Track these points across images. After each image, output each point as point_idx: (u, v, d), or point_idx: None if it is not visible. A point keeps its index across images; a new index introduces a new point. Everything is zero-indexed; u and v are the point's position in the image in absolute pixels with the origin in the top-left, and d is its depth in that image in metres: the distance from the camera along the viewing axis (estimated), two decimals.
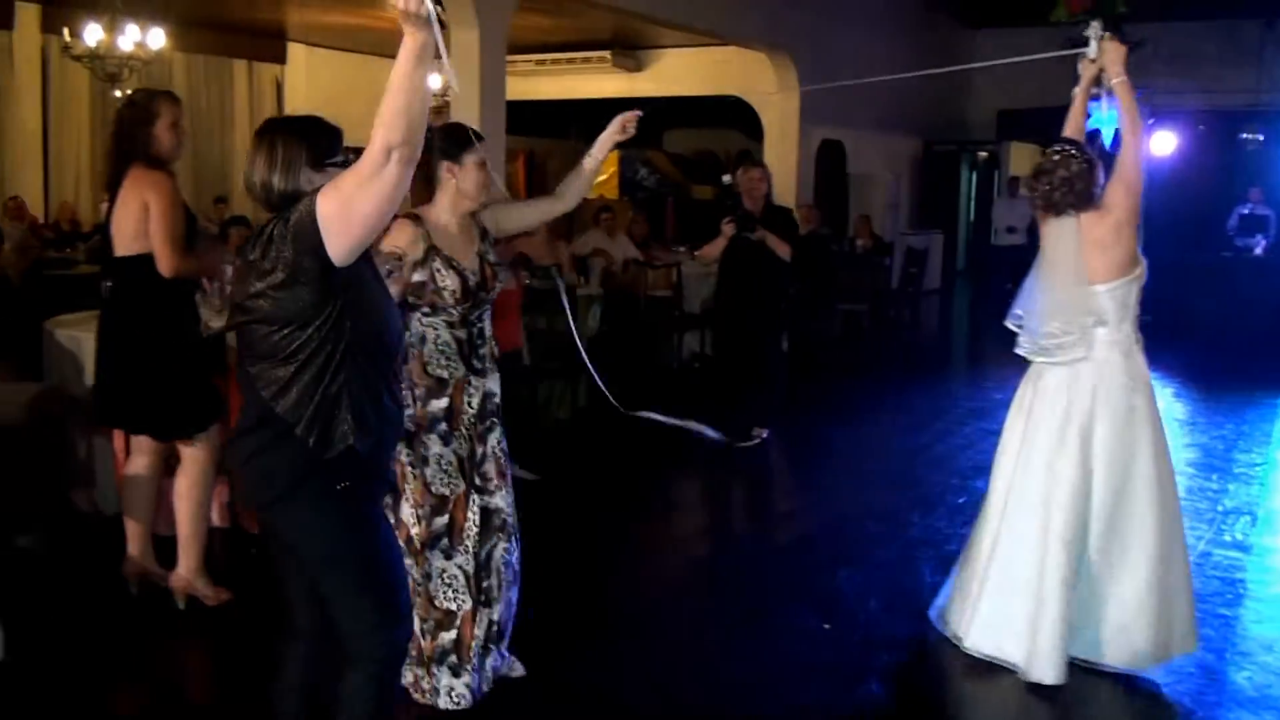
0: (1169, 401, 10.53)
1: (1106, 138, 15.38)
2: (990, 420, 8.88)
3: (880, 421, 9.31)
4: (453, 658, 3.93)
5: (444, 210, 3.95)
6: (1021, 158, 21.02)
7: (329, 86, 17.42)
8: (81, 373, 5.93)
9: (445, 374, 3.89)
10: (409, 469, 3.87)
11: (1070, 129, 4.73)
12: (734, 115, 16.76)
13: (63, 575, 5.24)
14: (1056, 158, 4.45)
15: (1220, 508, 6.87)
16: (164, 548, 5.00)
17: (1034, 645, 4.31)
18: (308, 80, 17.32)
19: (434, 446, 3.87)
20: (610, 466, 7.62)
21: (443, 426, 3.89)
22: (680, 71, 16.68)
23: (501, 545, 4.03)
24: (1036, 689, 4.27)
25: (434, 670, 3.93)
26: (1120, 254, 4.35)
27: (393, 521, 3.84)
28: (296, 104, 17.23)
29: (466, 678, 3.94)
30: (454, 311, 3.88)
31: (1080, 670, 4.38)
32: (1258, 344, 13.67)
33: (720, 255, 7.88)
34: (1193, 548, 5.95)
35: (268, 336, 2.85)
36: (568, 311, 3.16)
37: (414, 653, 3.91)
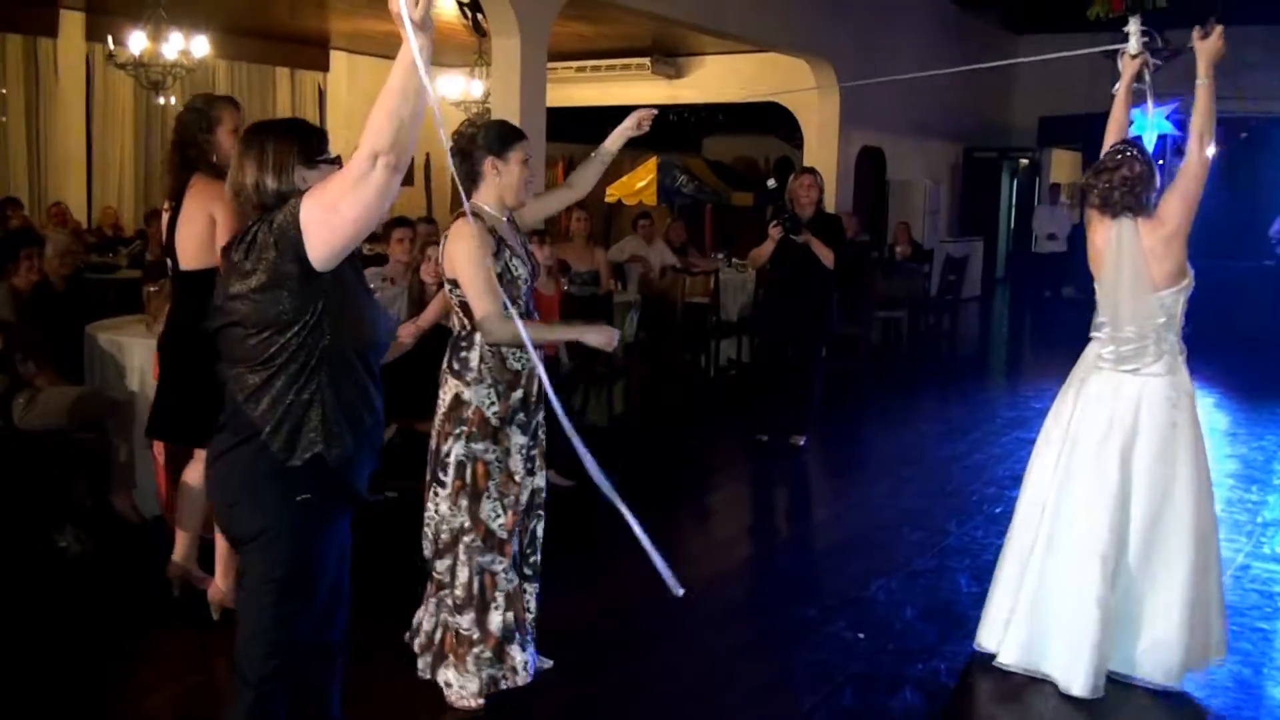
0: (1209, 412, 10.44)
1: (1150, 143, 15.24)
2: (1028, 430, 8.84)
3: (918, 429, 9.27)
4: (517, 634, 4.09)
5: (492, 205, 4.01)
6: (1062, 164, 20.93)
7: (370, 93, 17.37)
8: (123, 376, 6.01)
9: (520, 365, 4.00)
10: (493, 464, 3.96)
11: (1113, 128, 4.68)
12: (774, 121, 16.76)
13: (102, 577, 5.31)
14: (1119, 157, 4.39)
15: (1260, 520, 6.81)
16: (206, 552, 5.05)
17: (1072, 659, 4.29)
18: (349, 87, 17.48)
19: (515, 437, 3.99)
20: (647, 472, 7.62)
21: (521, 417, 4.01)
22: (720, 78, 16.68)
23: (540, 523, 4.20)
24: (1073, 702, 4.25)
25: (508, 650, 4.06)
26: (1171, 265, 4.30)
27: (465, 524, 3.97)
28: (338, 111, 17.43)
29: (530, 648, 4.14)
30: (521, 302, 3.99)
31: (1115, 683, 4.35)
32: None
33: (769, 258, 7.91)
34: (1231, 560, 5.93)
35: (245, 340, 2.82)
36: (550, 394, 3.17)
37: (483, 646, 4.02)
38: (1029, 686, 4.41)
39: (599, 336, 3.97)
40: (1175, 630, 4.29)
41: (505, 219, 4.05)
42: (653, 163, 17.03)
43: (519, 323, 3.57)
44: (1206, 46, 4.50)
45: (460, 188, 3.85)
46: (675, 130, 19.97)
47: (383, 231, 7.41)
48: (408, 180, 17.47)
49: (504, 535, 4.00)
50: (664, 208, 17.01)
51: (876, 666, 4.57)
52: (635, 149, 18.35)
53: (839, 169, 14.86)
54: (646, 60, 16.31)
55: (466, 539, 3.98)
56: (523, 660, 4.09)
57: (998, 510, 6.57)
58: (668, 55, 16.54)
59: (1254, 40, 17.49)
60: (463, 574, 3.99)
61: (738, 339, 10.91)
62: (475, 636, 4.01)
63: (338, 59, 17.22)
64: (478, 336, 3.95)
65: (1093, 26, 17.87)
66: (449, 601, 4.05)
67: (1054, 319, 16.56)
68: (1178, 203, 4.31)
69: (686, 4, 11.76)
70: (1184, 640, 4.29)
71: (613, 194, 17.37)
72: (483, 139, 3.97)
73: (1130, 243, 4.32)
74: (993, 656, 4.54)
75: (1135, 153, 4.42)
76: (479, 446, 3.94)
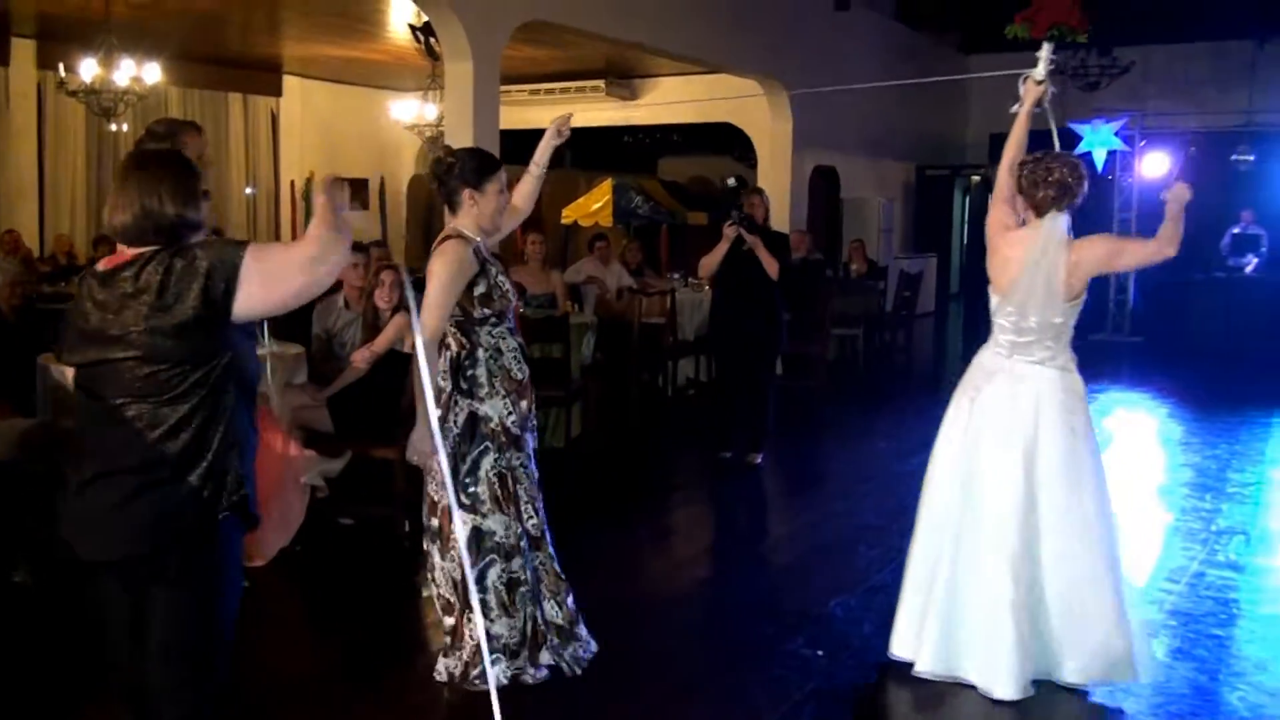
0: (1163, 421, 10.59)
1: (1098, 160, 15.44)
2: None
3: (874, 445, 9.32)
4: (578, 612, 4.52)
5: (470, 230, 4.19)
6: None
7: (324, 118, 17.55)
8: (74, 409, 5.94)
9: (522, 375, 4.24)
10: (520, 469, 4.21)
11: (1012, 146, 4.71)
12: (728, 142, 16.84)
13: (54, 611, 5.24)
14: (1058, 159, 4.53)
15: (1214, 528, 6.89)
16: None
17: (992, 664, 4.33)
18: (302, 111, 17.43)
19: (531, 442, 4.28)
20: (605, 493, 7.64)
21: (532, 422, 4.29)
22: (674, 99, 16.75)
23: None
24: (1001, 705, 4.29)
25: (577, 630, 4.48)
26: (1078, 284, 4.42)
27: (518, 530, 4.21)
28: (292, 136, 17.37)
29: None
30: (510, 317, 4.23)
31: (1065, 690, 4.42)
32: (1251, 363, 13.75)
33: (718, 268, 7.94)
34: (1185, 568, 6.02)
35: (153, 374, 2.70)
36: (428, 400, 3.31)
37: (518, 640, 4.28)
38: (953, 692, 4.44)
39: (422, 444, 4.03)
40: (1091, 635, 4.37)
41: (483, 241, 4.24)
42: (608, 184, 17.05)
43: (424, 366, 3.47)
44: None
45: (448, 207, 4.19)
46: (631, 151, 20.03)
47: None
48: (362, 205, 17.37)
49: (538, 534, 4.31)
50: (620, 229, 17.03)
51: (835, 682, 4.58)
52: (590, 170, 18.42)
53: (793, 188, 14.93)
54: (601, 82, 16.34)
55: (502, 543, 4.21)
56: (586, 638, 4.51)
57: None
58: (622, 77, 16.59)
59: (1199, 56, 17.80)
60: (499, 581, 4.23)
61: (695, 358, 10.94)
62: (514, 640, 4.28)
63: (291, 84, 17.15)
64: (480, 353, 4.14)
65: (1038, 46, 18.07)
66: (528, 595, 4.29)
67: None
68: (1104, 251, 4.47)
69: (639, 27, 11.80)
70: (1099, 645, 4.36)
71: (568, 216, 17.37)
72: (460, 170, 4.16)
73: (1057, 249, 4.39)
74: (909, 665, 4.57)
75: (1076, 160, 4.53)
76: (508, 455, 4.19)
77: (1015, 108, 4.71)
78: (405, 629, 5.18)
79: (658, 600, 5.66)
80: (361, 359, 6.17)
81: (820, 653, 4.85)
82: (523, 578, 4.27)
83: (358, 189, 18.06)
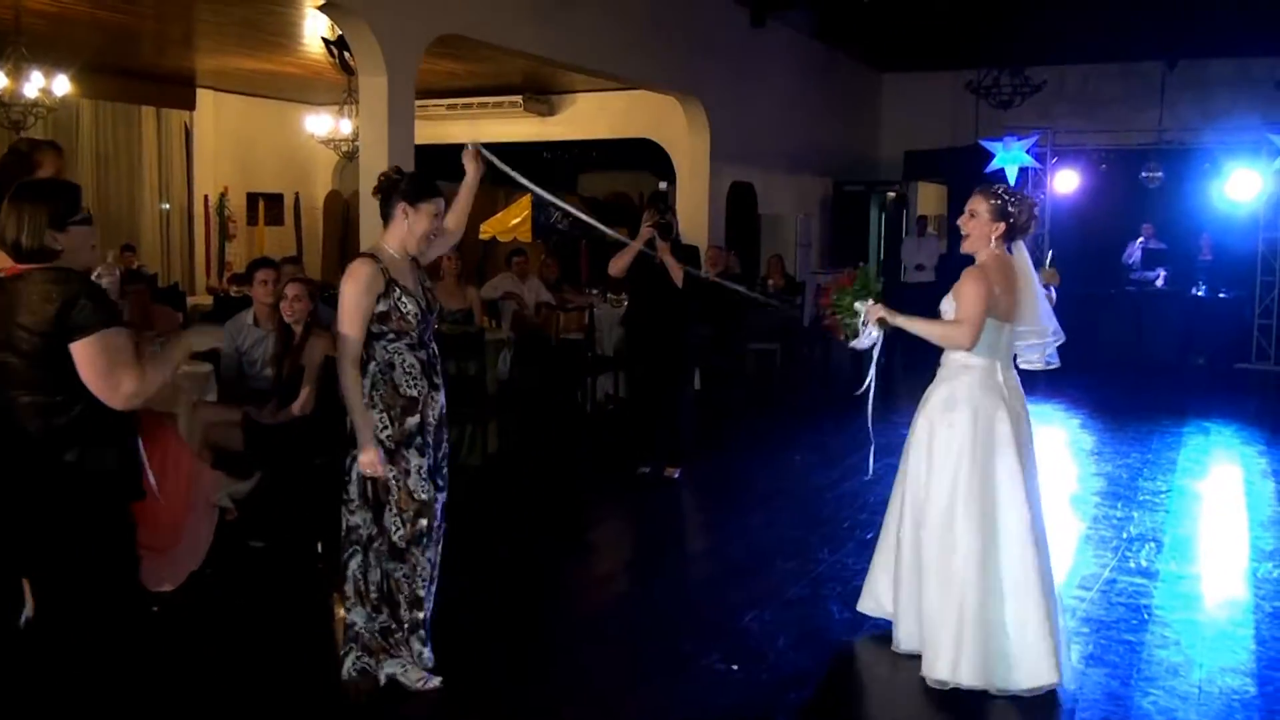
0: (1075, 432, 10.74)
1: (1011, 176, 15.72)
2: (898, 455, 8.96)
3: (791, 459, 9.32)
4: (421, 631, 4.44)
5: (394, 246, 4.32)
6: (928, 197, 21.42)
7: (238, 131, 17.30)
8: None
9: (415, 392, 4.29)
10: (393, 481, 4.25)
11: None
12: (646, 157, 16.86)
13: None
14: (1027, 196, 4.80)
15: (1125, 535, 6.99)
16: None
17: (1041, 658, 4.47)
18: (216, 125, 17.16)
19: (413, 459, 4.28)
20: (522, 510, 7.56)
21: (418, 440, 4.29)
22: (592, 115, 16.75)
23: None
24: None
25: (410, 641, 4.41)
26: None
27: (373, 531, 4.30)
28: (205, 149, 17.09)
29: (429, 648, 4.47)
30: (414, 335, 4.27)
31: (981, 694, 4.46)
32: (1161, 374, 14.05)
33: (626, 269, 7.90)
34: (1097, 575, 6.09)
35: (29, 370, 3.37)
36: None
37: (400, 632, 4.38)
38: (900, 702, 4.45)
39: (366, 456, 4.20)
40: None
41: (406, 261, 4.36)
42: (527, 199, 16.99)
43: (351, 384, 4.17)
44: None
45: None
46: (550, 167, 19.97)
47: (245, 273, 7.26)
48: (277, 220, 17.17)
49: (402, 545, 4.30)
50: (539, 244, 16.98)
51: (750, 697, 4.56)
52: (510, 186, 18.33)
53: (710, 203, 14.98)
54: (519, 98, 16.29)
55: (375, 544, 4.33)
56: (419, 652, 4.44)
57: (868, 536, 6.59)
58: (540, 93, 16.56)
59: (1111, 76, 18.15)
60: (374, 575, 4.35)
61: (614, 373, 10.91)
62: (382, 625, 4.38)
63: (204, 97, 16.85)
64: (371, 366, 4.24)
65: (952, 66, 18.40)
66: (374, 594, 4.39)
67: (921, 347, 16.81)
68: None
69: (556, 43, 11.78)
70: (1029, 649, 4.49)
71: (487, 231, 17.27)
72: (402, 185, 4.32)
73: (1028, 264, 4.76)
74: (825, 676, 4.70)
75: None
76: None
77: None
78: (319, 651, 5.07)
79: (574, 616, 5.60)
80: (299, 409, 6.08)
81: (735, 667, 4.82)
82: (372, 576, 4.39)
83: (271, 204, 17.84)
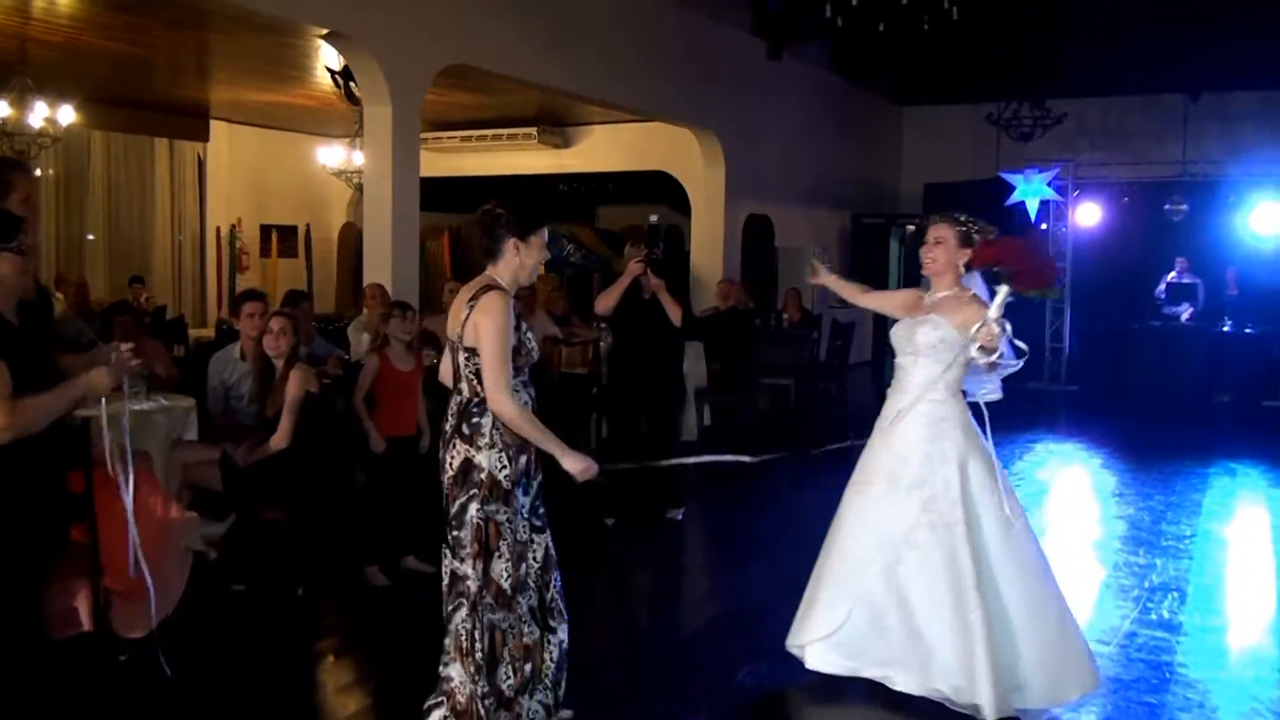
0: (1097, 472, 10.43)
1: (1031, 210, 15.45)
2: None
3: (802, 500, 9.04)
4: (531, 684, 4.23)
5: (506, 280, 4.16)
6: None
7: (252, 163, 17.24)
8: None
9: None
10: (504, 525, 4.10)
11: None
12: (663, 190, 16.71)
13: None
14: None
15: (1147, 584, 6.69)
16: None
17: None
18: (230, 157, 17.11)
19: (521, 498, 4.17)
20: None
21: (524, 479, 4.18)
22: (607, 147, 16.63)
23: (557, 575, 4.39)
24: None
25: (521, 700, 4.19)
26: None
27: (480, 583, 4.09)
28: (219, 181, 17.03)
29: (540, 695, 4.26)
30: (527, 371, 4.20)
31: None
32: (1185, 412, 13.70)
33: (615, 307, 7.60)
34: (1117, 628, 5.81)
35: None
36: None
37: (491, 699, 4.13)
38: None
39: (575, 464, 4.11)
40: None
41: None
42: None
43: (518, 410, 3.96)
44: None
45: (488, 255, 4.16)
46: (567, 199, 19.84)
47: (233, 306, 7.07)
48: (291, 252, 17.06)
49: (510, 592, 4.14)
50: (551, 277, 16.79)
51: None
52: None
53: (726, 236, 14.82)
54: (533, 130, 16.20)
55: (480, 597, 4.13)
56: (530, 709, 4.22)
57: None
58: (554, 125, 16.45)
59: (1132, 109, 17.93)
60: (475, 631, 4.14)
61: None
62: (483, 690, 4.12)
63: (218, 129, 16.83)
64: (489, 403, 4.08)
65: (972, 99, 18.23)
66: (453, 653, 4.17)
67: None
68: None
69: (567, 74, 11.65)
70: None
71: None
72: (507, 220, 4.14)
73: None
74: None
75: None
76: (492, 508, 4.07)
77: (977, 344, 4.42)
78: (304, 700, 4.83)
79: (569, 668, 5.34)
80: (279, 442, 5.87)
81: None
82: (462, 637, 4.17)
83: (285, 236, 17.73)
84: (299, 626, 5.64)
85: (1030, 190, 15.56)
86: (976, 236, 4.57)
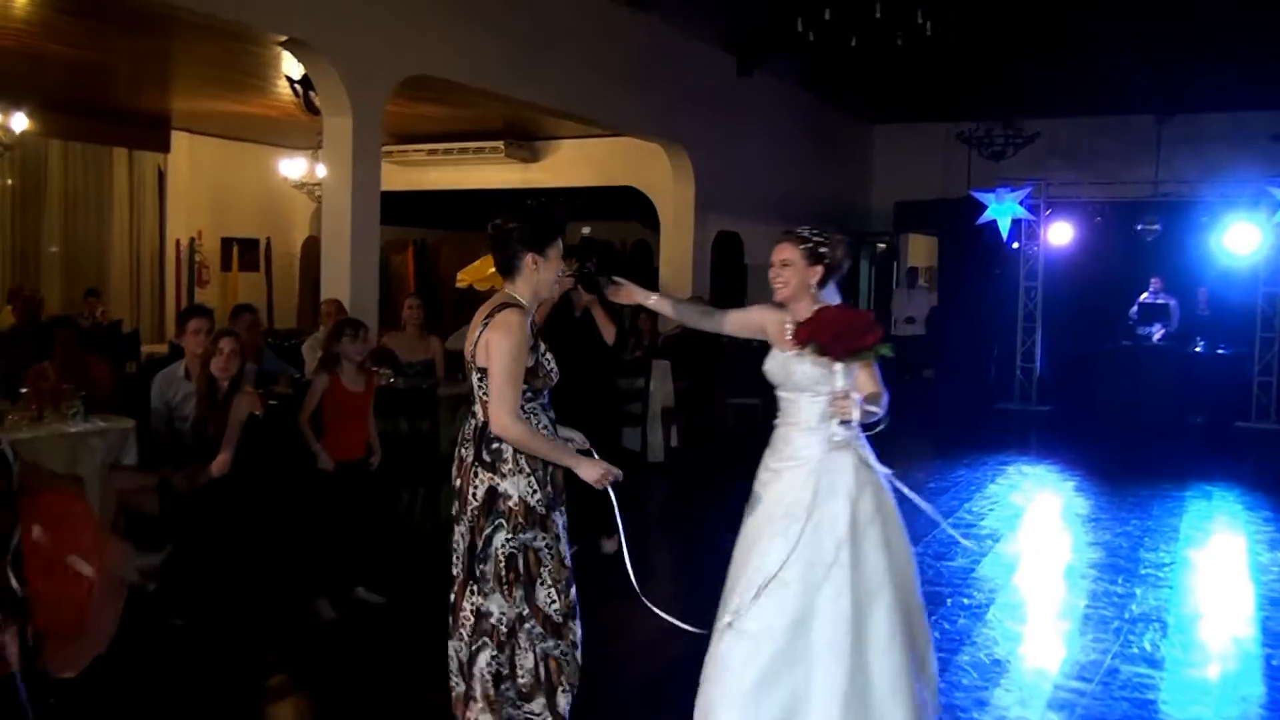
0: (1070, 495, 10.21)
1: (1003, 228, 15.30)
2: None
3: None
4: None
5: (526, 297, 4.00)
6: (919, 249, 21.08)
7: (213, 174, 16.90)
8: None
9: None
10: (543, 551, 3.92)
11: None
12: (631, 206, 16.50)
13: None
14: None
15: (1127, 614, 6.47)
16: None
17: None
18: (191, 168, 16.76)
19: (559, 520, 4.02)
20: None
21: (557, 500, 4.04)
22: (575, 162, 16.43)
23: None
24: None
25: None
26: None
27: (523, 610, 3.90)
28: (179, 192, 16.69)
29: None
30: (546, 394, 4.04)
31: None
32: (1158, 433, 13.57)
33: (539, 327, 7.15)
34: (1099, 663, 5.58)
35: None
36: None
37: None
38: None
39: (593, 471, 3.92)
40: None
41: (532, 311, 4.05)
42: None
43: (523, 429, 3.79)
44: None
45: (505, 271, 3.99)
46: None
47: (179, 323, 6.77)
48: (253, 266, 16.76)
49: (560, 619, 3.98)
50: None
51: None
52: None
53: (695, 253, 14.61)
54: (500, 143, 15.97)
55: (527, 626, 3.94)
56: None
57: None
58: (522, 139, 16.22)
59: (1103, 130, 17.85)
60: (527, 661, 3.96)
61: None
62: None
63: (179, 139, 16.47)
64: None
65: (944, 117, 18.11)
66: (511, 693, 3.98)
67: (916, 402, 16.41)
68: None
69: (534, 86, 11.41)
70: None
71: (463, 279, 16.77)
72: (521, 233, 3.96)
73: None
74: None
75: None
76: (528, 535, 3.90)
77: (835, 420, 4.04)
78: None
79: None
80: (220, 467, 5.59)
81: None
82: (504, 672, 3.97)
83: (247, 250, 17.40)
84: (242, 664, 5.34)
85: (1002, 209, 15.42)
86: (824, 251, 4.12)
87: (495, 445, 3.89)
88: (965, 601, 6.60)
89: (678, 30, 13.48)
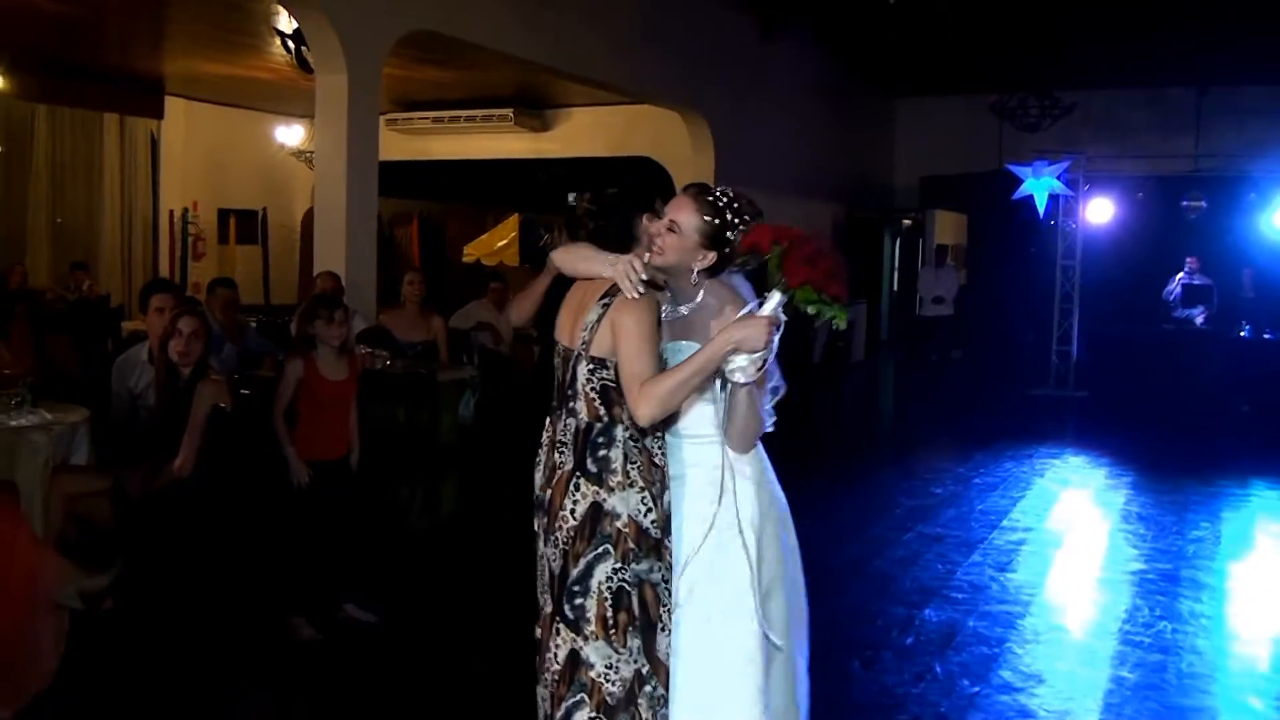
0: (1110, 492, 9.36)
1: (1040, 203, 14.39)
2: (933, 522, 7.72)
3: (800, 527, 8.00)
4: None
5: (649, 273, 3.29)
6: (946, 226, 20.34)
7: (209, 142, 16.19)
8: None
9: (662, 462, 3.29)
10: (661, 586, 3.20)
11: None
12: (646, 177, 15.79)
13: None
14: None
15: (1171, 631, 5.72)
16: None
17: None
18: (186, 135, 16.02)
19: (671, 547, 3.27)
20: (477, 586, 6.24)
21: (669, 524, 3.28)
22: (588, 131, 15.78)
23: None
24: None
25: None
26: None
27: (643, 666, 3.15)
28: (173, 161, 15.98)
29: None
30: None
31: None
32: (1203, 421, 12.75)
33: (532, 314, 6.41)
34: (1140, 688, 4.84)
35: None
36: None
37: None
38: None
39: (744, 331, 3.03)
40: None
41: None
42: (514, 220, 15.87)
43: (661, 394, 2.97)
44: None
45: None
46: (544, 186, 18.97)
47: (141, 299, 6.01)
48: (251, 238, 16.06)
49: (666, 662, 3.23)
50: (527, 269, 15.83)
51: None
52: (499, 206, 17.23)
53: None
54: (509, 111, 15.28)
55: (648, 688, 3.17)
56: None
57: (908, 641, 5.37)
58: (532, 106, 15.50)
59: (1139, 102, 17.13)
60: None
61: None
62: None
63: (173, 105, 15.74)
64: (619, 431, 3.20)
65: (969, 89, 17.40)
66: None
67: (943, 385, 15.75)
68: None
69: (546, 47, 10.72)
70: None
71: (470, 254, 16.13)
72: (631, 201, 3.44)
73: None
74: None
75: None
76: (642, 567, 3.17)
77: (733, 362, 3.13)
78: None
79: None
80: (185, 466, 4.86)
81: None
82: None
83: (245, 221, 16.69)
84: (208, 694, 4.63)
85: (1039, 184, 14.64)
86: (730, 237, 3.26)
87: (602, 453, 3.21)
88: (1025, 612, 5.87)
89: None
